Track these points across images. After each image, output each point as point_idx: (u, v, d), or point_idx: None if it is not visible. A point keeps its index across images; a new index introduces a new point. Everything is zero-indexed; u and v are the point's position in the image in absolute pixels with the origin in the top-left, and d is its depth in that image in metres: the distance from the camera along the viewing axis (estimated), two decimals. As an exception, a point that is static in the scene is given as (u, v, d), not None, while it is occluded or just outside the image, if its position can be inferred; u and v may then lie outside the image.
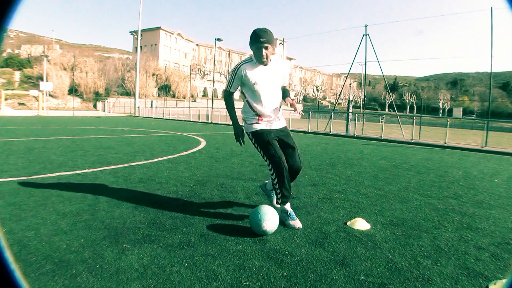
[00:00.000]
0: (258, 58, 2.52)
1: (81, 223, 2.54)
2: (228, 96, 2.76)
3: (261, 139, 2.65)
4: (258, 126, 2.68)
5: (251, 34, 2.48)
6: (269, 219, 2.38)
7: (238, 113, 2.81)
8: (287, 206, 2.71)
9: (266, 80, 2.60)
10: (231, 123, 2.89)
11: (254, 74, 2.56)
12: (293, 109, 2.64)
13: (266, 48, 2.47)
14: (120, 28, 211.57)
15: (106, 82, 50.09)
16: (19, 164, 4.91)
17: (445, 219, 3.03)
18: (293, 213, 2.70)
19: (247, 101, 2.68)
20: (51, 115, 30.62)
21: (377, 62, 21.57)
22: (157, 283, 1.72)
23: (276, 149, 2.61)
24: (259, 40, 2.43)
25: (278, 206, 2.73)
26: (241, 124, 2.81)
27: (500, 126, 29.85)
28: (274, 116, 2.70)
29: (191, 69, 68.92)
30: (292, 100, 2.69)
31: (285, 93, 2.81)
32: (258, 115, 2.66)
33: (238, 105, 2.88)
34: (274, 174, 2.60)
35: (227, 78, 2.73)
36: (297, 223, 2.63)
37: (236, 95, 2.94)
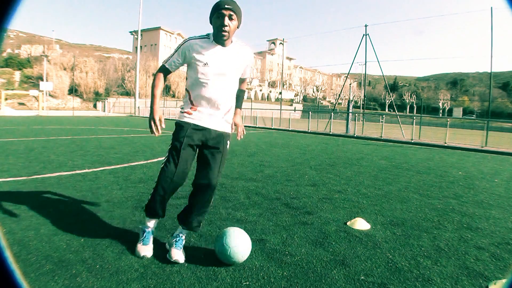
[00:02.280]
0: (217, 31, 1.92)
1: (81, 223, 2.54)
2: (159, 72, 2.07)
3: (177, 134, 2.03)
4: (186, 117, 2.04)
5: (214, 5, 1.92)
6: (236, 245, 1.92)
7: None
8: (149, 223, 2.13)
9: (222, 63, 1.99)
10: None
11: (207, 53, 1.96)
12: (235, 131, 2.25)
13: (230, 17, 1.89)
14: (120, 28, 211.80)
15: (106, 82, 50.08)
16: (19, 164, 4.91)
17: (445, 219, 3.03)
18: (149, 235, 2.11)
19: (187, 89, 2.08)
20: (51, 115, 30.62)
21: (377, 62, 21.58)
22: (157, 283, 1.72)
23: (182, 157, 1.99)
24: (222, 5, 1.87)
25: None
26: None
27: (500, 126, 29.85)
28: (216, 113, 2.06)
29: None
30: (238, 116, 2.26)
31: (239, 97, 2.27)
32: (194, 104, 2.05)
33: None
34: (156, 180, 2.05)
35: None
36: (143, 250, 2.03)
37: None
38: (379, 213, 3.13)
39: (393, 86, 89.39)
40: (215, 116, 2.06)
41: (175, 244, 2.04)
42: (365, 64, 20.19)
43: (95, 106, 47.75)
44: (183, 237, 2.11)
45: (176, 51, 2.02)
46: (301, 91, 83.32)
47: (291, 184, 4.20)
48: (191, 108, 2.05)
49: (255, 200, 3.38)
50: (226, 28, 1.89)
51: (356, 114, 16.75)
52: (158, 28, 67.27)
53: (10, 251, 1.98)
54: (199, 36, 2.01)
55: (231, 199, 3.40)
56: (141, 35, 41.53)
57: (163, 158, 2.07)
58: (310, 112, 17.10)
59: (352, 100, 17.86)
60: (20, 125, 14.69)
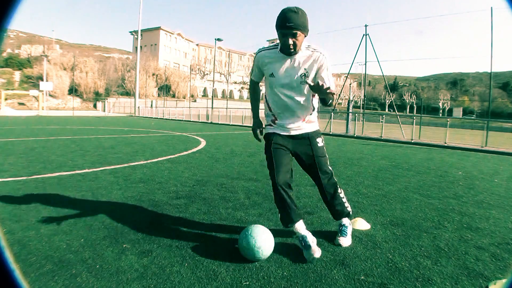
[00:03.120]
0: (283, 47, 1.96)
1: (81, 223, 2.54)
2: (251, 86, 2.33)
3: (266, 144, 2.23)
4: (271, 129, 2.22)
5: (278, 15, 1.90)
6: (263, 243, 1.97)
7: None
8: (297, 228, 2.15)
9: (287, 73, 2.02)
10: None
11: (273, 64, 2.03)
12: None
13: (294, 35, 1.86)
14: (120, 28, 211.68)
15: (106, 82, 50.11)
16: (19, 164, 4.91)
17: (445, 219, 3.03)
18: (308, 238, 2.09)
19: (265, 97, 2.22)
20: (51, 115, 30.62)
21: (377, 62, 21.60)
22: (157, 283, 1.72)
23: (276, 159, 2.12)
24: (285, 24, 1.84)
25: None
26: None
27: (500, 126, 29.82)
28: (296, 120, 2.15)
29: (191, 69, 68.92)
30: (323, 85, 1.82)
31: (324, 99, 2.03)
32: (274, 116, 2.19)
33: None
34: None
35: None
36: (314, 252, 2.02)
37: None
38: (379, 213, 3.13)
39: (393, 86, 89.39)
40: (296, 123, 2.17)
41: (341, 233, 2.32)
42: (365, 64, 20.18)
43: (95, 106, 47.76)
44: (347, 224, 2.38)
45: (254, 64, 2.20)
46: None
47: (291, 184, 4.20)
48: (271, 119, 2.21)
49: (255, 200, 3.38)
50: (291, 46, 1.91)
51: (356, 114, 16.75)
52: (158, 28, 67.26)
53: (10, 251, 1.98)
54: (268, 47, 2.10)
55: (231, 199, 3.40)
56: (141, 35, 41.53)
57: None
58: (310, 112, 17.05)
59: (352, 100, 17.86)
60: (20, 125, 14.69)
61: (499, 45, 16.69)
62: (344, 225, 2.37)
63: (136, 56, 39.34)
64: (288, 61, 2.01)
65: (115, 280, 1.73)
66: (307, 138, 2.21)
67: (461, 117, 54.22)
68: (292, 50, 1.93)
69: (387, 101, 71.37)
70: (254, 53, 2.23)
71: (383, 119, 15.09)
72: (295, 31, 1.85)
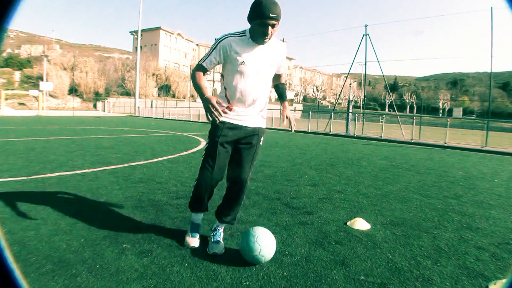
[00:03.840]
0: (258, 37, 1.92)
1: (81, 223, 2.54)
2: (197, 72, 2.06)
3: (213, 132, 2.11)
4: (224, 117, 2.05)
5: (254, 4, 1.86)
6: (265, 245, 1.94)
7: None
8: (195, 216, 2.26)
9: (259, 62, 2.00)
10: None
11: (244, 52, 1.96)
12: (288, 124, 2.23)
13: (273, 26, 1.88)
14: (120, 28, 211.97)
15: (106, 82, 50.12)
16: (19, 164, 4.91)
17: (445, 219, 3.03)
18: (196, 227, 2.25)
19: (224, 87, 2.09)
20: (51, 115, 30.62)
21: (377, 62, 21.60)
22: (157, 283, 1.72)
23: (218, 156, 2.07)
24: (267, 14, 1.81)
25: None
26: None
27: (500, 126, 29.83)
28: (251, 111, 2.10)
29: (191, 69, 68.92)
30: (287, 109, 2.25)
31: (282, 91, 2.32)
32: (229, 101, 2.08)
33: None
34: (196, 177, 2.16)
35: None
36: (192, 242, 2.17)
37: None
38: (379, 213, 3.13)
39: (393, 86, 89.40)
40: (251, 113, 2.10)
41: (213, 237, 2.19)
42: (365, 64, 20.19)
43: (95, 106, 47.77)
44: (221, 230, 2.25)
45: (213, 49, 2.00)
46: (301, 91, 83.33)
47: (291, 184, 4.20)
48: (227, 107, 2.08)
49: (255, 200, 3.38)
50: (269, 37, 1.92)
51: (356, 114, 16.75)
52: (158, 28, 67.23)
53: (10, 251, 1.98)
54: (235, 33, 2.00)
55: (231, 199, 3.40)
56: (141, 35, 41.52)
57: (201, 156, 2.16)
58: (310, 112, 17.10)
59: (352, 100, 17.86)
60: (20, 125, 14.69)
61: (499, 45, 16.71)
62: (218, 229, 2.25)
63: (136, 56, 39.34)
64: (260, 50, 1.99)
65: (115, 280, 1.73)
66: (257, 134, 2.16)
67: (461, 117, 54.21)
68: (268, 40, 1.94)
69: (387, 101, 71.38)
70: (216, 39, 2.01)
71: (383, 119, 15.09)
72: (275, 22, 1.87)
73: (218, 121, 1.96)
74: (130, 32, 57.35)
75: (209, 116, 1.92)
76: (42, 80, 40.16)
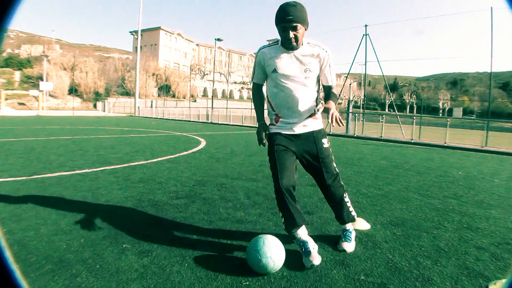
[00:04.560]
0: (285, 42, 1.92)
1: (81, 223, 2.54)
2: (255, 89, 2.20)
3: (270, 144, 2.12)
4: (274, 129, 2.12)
5: (277, 10, 1.89)
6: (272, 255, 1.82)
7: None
8: (299, 234, 2.05)
9: (290, 69, 1.97)
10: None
11: (275, 60, 1.98)
12: (329, 118, 1.90)
13: (295, 28, 1.84)
14: (120, 28, 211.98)
15: (106, 82, 50.13)
16: (19, 164, 4.91)
17: (445, 219, 3.03)
18: (309, 244, 2.01)
19: (268, 98, 2.14)
20: (51, 115, 30.62)
21: (377, 62, 21.61)
22: (157, 283, 1.72)
23: (280, 162, 2.01)
24: (285, 17, 1.82)
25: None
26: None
27: (500, 126, 29.83)
28: (299, 119, 2.08)
29: (191, 69, 68.95)
30: (330, 103, 1.95)
31: (329, 97, 2.10)
32: (277, 114, 2.11)
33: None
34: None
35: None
36: (314, 259, 1.94)
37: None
38: (379, 213, 3.13)
39: (393, 86, 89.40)
40: (299, 120, 2.08)
41: (344, 238, 2.26)
42: (365, 64, 20.18)
43: (95, 106, 47.77)
44: (349, 230, 2.30)
45: (255, 65, 2.11)
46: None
47: (291, 184, 4.19)
48: (274, 119, 2.13)
49: (255, 200, 3.38)
50: (292, 40, 1.89)
51: (356, 114, 16.75)
52: (158, 28, 67.25)
53: (10, 251, 1.98)
54: (268, 44, 2.05)
55: (231, 199, 3.40)
56: (141, 35, 41.54)
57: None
58: (310, 112, 17.05)
59: (352, 100, 17.86)
60: (20, 125, 14.69)
61: (499, 45, 16.70)
62: (348, 230, 2.30)
63: (136, 56, 39.34)
64: (290, 55, 1.98)
65: (115, 280, 1.73)
66: (312, 137, 2.10)
67: (461, 117, 54.20)
68: (294, 43, 1.90)
69: (387, 101, 71.39)
70: (255, 53, 2.13)
71: (383, 119, 15.08)
72: (295, 24, 1.83)
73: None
74: (130, 32, 57.32)
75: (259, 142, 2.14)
76: (42, 80, 40.16)
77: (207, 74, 71.14)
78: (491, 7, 13.40)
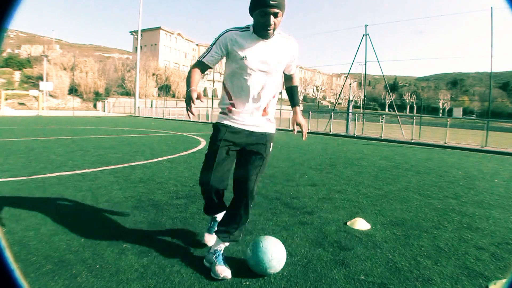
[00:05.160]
0: (261, 28, 1.75)
1: (81, 223, 2.54)
2: (196, 67, 1.88)
3: (214, 137, 1.93)
4: (224, 119, 1.93)
5: None
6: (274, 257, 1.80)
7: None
8: (217, 217, 2.09)
9: (263, 58, 1.82)
10: None
11: (246, 46, 1.80)
12: (297, 130, 2.01)
13: (276, 15, 1.70)
14: (120, 28, 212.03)
15: (106, 82, 50.13)
16: (19, 164, 4.91)
17: (445, 219, 3.03)
18: (221, 254, 1.90)
19: (225, 85, 1.94)
20: (51, 115, 30.62)
21: (377, 62, 21.60)
22: (157, 283, 1.72)
23: (218, 158, 1.87)
24: (267, 2, 1.66)
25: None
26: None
27: (500, 126, 29.83)
28: (256, 112, 1.92)
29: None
30: (298, 115, 2.04)
31: (293, 95, 2.12)
32: (232, 104, 1.91)
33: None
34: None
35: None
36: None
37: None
38: (379, 213, 3.13)
39: (393, 86, 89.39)
40: (255, 115, 1.92)
41: (217, 260, 1.86)
42: (365, 64, 20.19)
43: (95, 106, 47.77)
44: (222, 251, 1.93)
45: (213, 43, 1.85)
46: (301, 91, 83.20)
47: (291, 184, 4.20)
48: (227, 107, 1.92)
49: (255, 200, 3.38)
50: (271, 27, 1.74)
51: (356, 114, 16.75)
52: (158, 28, 67.23)
53: (10, 251, 1.98)
54: (238, 27, 1.85)
55: (231, 199, 3.40)
56: (141, 35, 41.53)
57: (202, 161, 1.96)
58: (310, 112, 17.11)
59: (352, 100, 17.86)
60: (20, 125, 14.69)
61: (499, 45, 16.72)
62: (218, 250, 1.92)
63: (136, 56, 39.34)
64: (264, 44, 1.82)
65: (115, 280, 1.73)
66: (264, 138, 1.96)
67: (461, 117, 54.20)
68: (271, 31, 1.76)
69: (387, 101, 71.37)
70: (219, 34, 1.86)
71: (383, 119, 15.09)
72: (277, 10, 1.69)
73: (193, 116, 1.84)
74: (130, 32, 57.37)
75: (187, 106, 1.72)
76: (42, 80, 40.15)
77: (207, 74, 71.12)
78: (491, 7, 13.41)
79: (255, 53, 1.81)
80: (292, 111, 2.12)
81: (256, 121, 1.93)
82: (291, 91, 2.17)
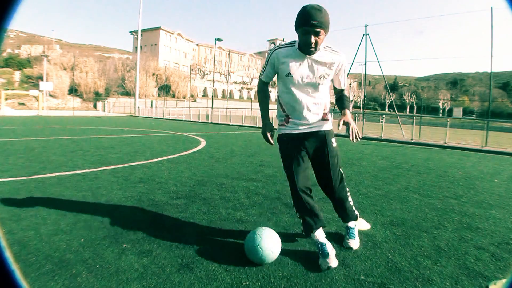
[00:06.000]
0: (304, 46, 1.87)
1: (81, 223, 2.54)
2: (260, 87, 2.17)
3: (281, 146, 2.15)
4: (284, 129, 2.13)
5: (299, 12, 1.83)
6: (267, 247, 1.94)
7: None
8: (316, 236, 2.07)
9: (306, 74, 1.96)
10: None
11: (291, 63, 1.94)
12: (346, 132, 2.07)
13: (317, 34, 1.80)
14: (120, 28, 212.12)
15: (106, 82, 50.11)
16: (19, 164, 4.91)
17: (445, 219, 3.03)
18: (327, 246, 1.98)
19: (279, 97, 2.13)
20: (51, 115, 30.61)
21: (377, 62, 21.59)
22: (157, 283, 1.72)
23: (294, 163, 2.06)
24: (309, 21, 1.76)
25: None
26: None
27: (500, 126, 29.84)
28: (310, 122, 2.09)
29: (191, 69, 68.93)
30: (347, 115, 2.02)
31: (342, 101, 2.16)
32: (288, 116, 2.10)
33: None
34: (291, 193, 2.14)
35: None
36: (331, 261, 1.92)
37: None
38: (379, 213, 3.13)
39: (393, 86, 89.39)
40: (310, 121, 2.08)
41: (348, 235, 2.28)
42: (365, 64, 20.16)
43: (95, 106, 47.76)
44: (352, 227, 2.32)
45: (266, 63, 2.05)
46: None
47: (291, 184, 4.19)
48: (284, 119, 2.12)
49: (255, 200, 3.38)
50: (313, 45, 1.85)
51: (356, 114, 16.75)
52: (158, 28, 67.24)
53: (10, 251, 1.98)
54: (285, 45, 1.99)
55: (231, 199, 3.40)
56: (141, 35, 41.54)
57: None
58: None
59: (352, 100, 17.86)
60: (20, 125, 14.68)
61: (499, 45, 16.68)
62: (351, 227, 2.33)
63: (136, 56, 39.34)
64: (307, 60, 1.95)
65: (115, 280, 1.73)
66: (323, 136, 2.11)
67: (461, 117, 54.18)
68: (313, 49, 1.87)
69: (387, 101, 71.39)
70: (269, 50, 2.13)
71: (383, 119, 15.08)
72: (318, 29, 1.79)
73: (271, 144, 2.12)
74: (130, 32, 57.37)
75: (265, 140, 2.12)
76: (42, 80, 40.15)
77: (207, 74, 71.14)
78: (491, 7, 13.41)
79: (299, 70, 1.95)
80: (341, 113, 2.12)
81: (310, 126, 2.10)
82: (341, 99, 2.19)
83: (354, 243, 2.25)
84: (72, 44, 74.52)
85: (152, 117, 30.86)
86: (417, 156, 8.03)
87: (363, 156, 7.51)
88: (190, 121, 24.75)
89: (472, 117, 55.57)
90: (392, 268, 1.99)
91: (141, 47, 44.14)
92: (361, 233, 2.57)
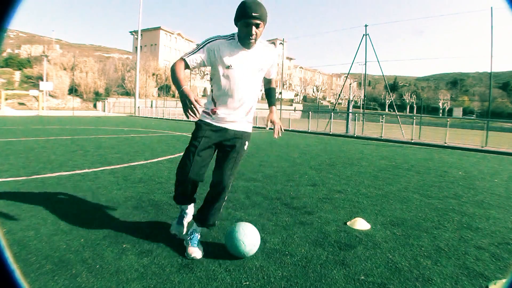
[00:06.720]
0: (244, 38, 1.91)
1: (81, 223, 2.54)
2: (179, 65, 1.94)
3: (195, 133, 2.07)
4: (207, 118, 2.08)
5: (239, 6, 1.88)
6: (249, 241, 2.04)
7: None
8: (180, 207, 2.34)
9: (246, 66, 1.99)
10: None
11: (231, 56, 1.95)
12: (269, 127, 2.22)
13: (258, 26, 1.87)
14: (120, 28, 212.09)
15: (106, 82, 50.09)
16: (19, 164, 4.91)
17: (445, 219, 3.03)
18: (196, 237, 2.14)
19: (211, 89, 2.08)
20: (51, 115, 30.61)
21: (377, 62, 21.58)
22: (157, 283, 1.72)
23: (198, 155, 2.01)
24: (250, 13, 1.83)
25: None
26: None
27: (500, 126, 29.85)
28: (238, 113, 2.08)
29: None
30: (274, 113, 2.25)
31: (271, 96, 2.34)
32: (214, 109, 2.06)
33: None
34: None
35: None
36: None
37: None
38: (379, 213, 3.13)
39: (393, 86, 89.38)
40: (236, 116, 2.08)
41: (190, 241, 2.11)
42: (365, 64, 20.17)
43: (95, 106, 47.75)
44: (198, 235, 2.17)
45: (201, 47, 1.96)
46: (301, 91, 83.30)
47: (291, 184, 4.20)
48: (212, 109, 2.07)
49: (255, 200, 3.38)
50: (253, 37, 1.90)
51: (356, 114, 16.75)
52: (158, 28, 67.22)
53: (10, 251, 1.98)
54: (225, 36, 1.99)
55: (231, 199, 3.40)
56: (141, 35, 41.52)
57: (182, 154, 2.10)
58: (310, 112, 17.12)
59: (352, 100, 17.86)
60: (20, 125, 14.68)
61: (499, 45, 16.70)
62: (195, 230, 2.18)
63: (136, 56, 39.32)
64: (246, 53, 1.98)
65: (115, 280, 1.73)
66: (242, 137, 2.13)
67: (461, 117, 54.19)
68: (253, 41, 1.92)
69: (387, 101, 71.38)
70: (207, 39, 1.98)
71: (383, 119, 15.08)
72: (259, 22, 1.86)
73: (195, 118, 1.92)
74: (130, 32, 57.45)
75: (185, 112, 1.81)
76: (42, 80, 40.12)
77: (207, 74, 71.14)
78: (491, 7, 13.41)
79: (239, 62, 1.98)
80: (269, 110, 2.32)
81: (235, 122, 2.10)
82: (269, 92, 2.37)
83: (196, 251, 2.06)
84: (72, 44, 74.52)
85: (152, 117, 30.86)
86: (417, 156, 8.03)
87: (363, 156, 7.51)
88: (190, 121, 24.74)
89: (472, 117, 55.57)
90: (392, 268, 1.99)
91: (141, 47, 44.13)
92: (361, 233, 2.57)
